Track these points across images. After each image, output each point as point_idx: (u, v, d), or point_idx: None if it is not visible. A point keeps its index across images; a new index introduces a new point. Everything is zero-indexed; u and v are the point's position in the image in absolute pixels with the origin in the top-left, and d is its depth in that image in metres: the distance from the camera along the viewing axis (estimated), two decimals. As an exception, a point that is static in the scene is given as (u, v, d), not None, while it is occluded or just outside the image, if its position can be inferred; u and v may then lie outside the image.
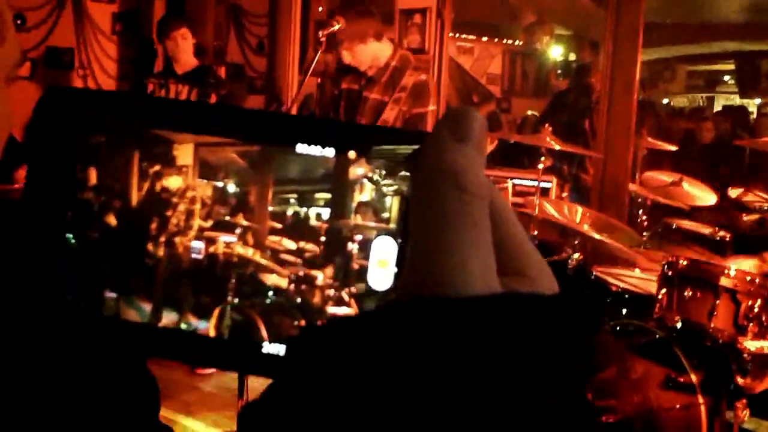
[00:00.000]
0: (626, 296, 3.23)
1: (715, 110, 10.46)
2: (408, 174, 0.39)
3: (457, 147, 0.29)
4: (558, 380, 0.24)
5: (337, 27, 3.22)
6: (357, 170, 0.41)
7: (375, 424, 0.23)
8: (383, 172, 0.40)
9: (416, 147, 0.38)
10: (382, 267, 0.41)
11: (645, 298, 3.04)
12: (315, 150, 0.41)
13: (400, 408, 0.23)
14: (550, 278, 0.29)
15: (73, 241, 0.43)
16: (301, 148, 0.41)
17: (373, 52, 3.29)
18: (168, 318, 0.44)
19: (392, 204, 0.41)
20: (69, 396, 0.46)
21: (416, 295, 0.26)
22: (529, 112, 8.05)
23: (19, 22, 5.46)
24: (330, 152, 0.41)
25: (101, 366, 0.46)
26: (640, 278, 3.37)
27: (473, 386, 0.23)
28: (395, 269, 0.40)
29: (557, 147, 3.73)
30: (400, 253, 0.40)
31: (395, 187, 0.40)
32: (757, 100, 11.11)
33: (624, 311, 3.15)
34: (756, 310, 2.44)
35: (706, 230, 3.76)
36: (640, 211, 4.33)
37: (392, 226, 0.41)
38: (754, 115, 10.12)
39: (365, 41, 3.26)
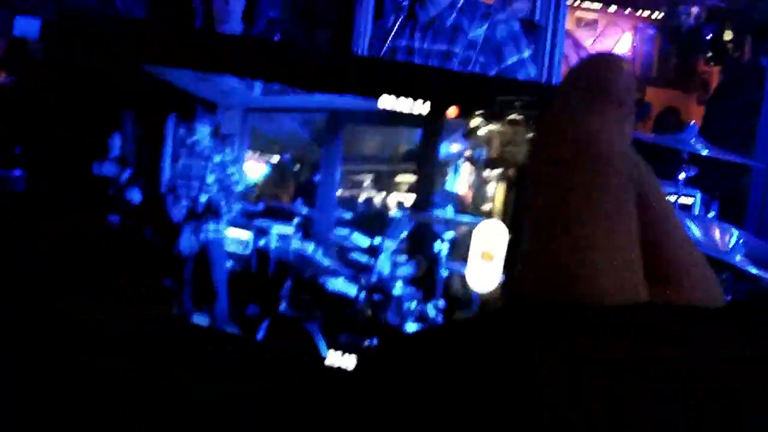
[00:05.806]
0: None
1: None
2: (522, 141, 0.28)
3: (594, 106, 0.21)
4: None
5: None
6: (454, 143, 0.30)
7: None
8: (488, 146, 0.29)
9: (535, 102, 0.27)
10: (486, 260, 0.31)
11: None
12: (404, 105, 0.30)
13: None
14: (711, 293, 0.22)
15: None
16: (387, 101, 0.30)
17: None
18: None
19: (496, 192, 0.30)
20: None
21: (534, 299, 0.19)
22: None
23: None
24: (424, 108, 0.30)
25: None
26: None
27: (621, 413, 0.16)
28: (503, 265, 0.31)
29: (704, 152, 2.98)
30: (511, 244, 0.30)
31: (501, 170, 0.29)
32: None
33: None
34: None
35: None
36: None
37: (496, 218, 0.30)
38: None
39: None
